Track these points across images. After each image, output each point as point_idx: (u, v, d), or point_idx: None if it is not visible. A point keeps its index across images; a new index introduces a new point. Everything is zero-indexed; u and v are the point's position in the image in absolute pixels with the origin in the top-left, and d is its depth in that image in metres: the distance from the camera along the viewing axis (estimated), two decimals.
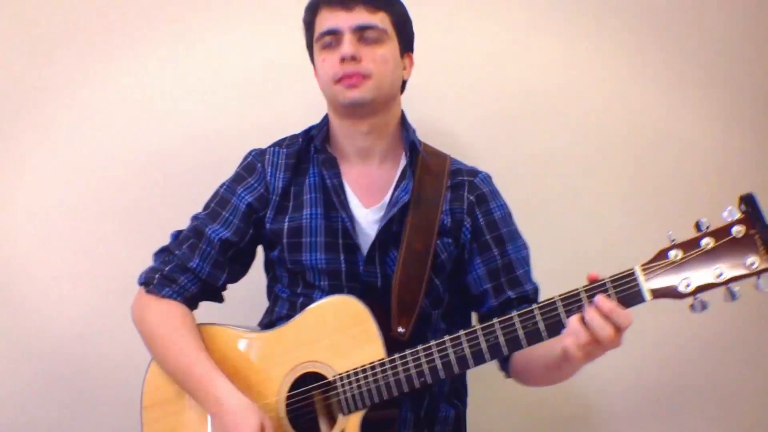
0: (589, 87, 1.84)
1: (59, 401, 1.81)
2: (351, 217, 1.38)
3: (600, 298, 1.06)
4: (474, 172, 1.45)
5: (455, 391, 1.45)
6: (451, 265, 1.40)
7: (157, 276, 1.41)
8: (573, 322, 1.08)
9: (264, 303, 1.55)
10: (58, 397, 1.81)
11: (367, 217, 1.40)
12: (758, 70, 1.85)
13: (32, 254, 1.81)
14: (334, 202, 1.38)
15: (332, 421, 1.28)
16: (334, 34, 1.33)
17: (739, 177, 1.84)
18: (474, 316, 1.49)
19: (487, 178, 1.46)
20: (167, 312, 1.39)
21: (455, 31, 1.82)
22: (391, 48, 1.36)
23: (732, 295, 1.05)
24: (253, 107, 1.81)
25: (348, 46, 1.31)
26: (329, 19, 1.33)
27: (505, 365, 1.38)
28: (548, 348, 1.18)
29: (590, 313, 1.06)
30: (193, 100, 1.81)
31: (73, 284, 1.82)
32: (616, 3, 1.83)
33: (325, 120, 1.46)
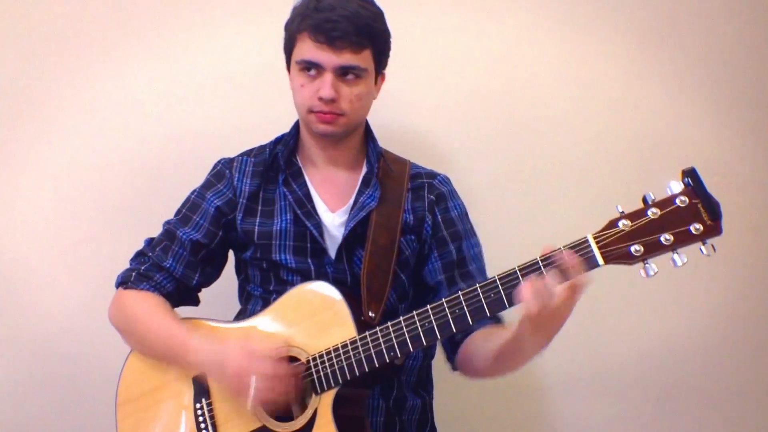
0: (589, 89, 1.88)
1: (57, 399, 1.83)
2: (318, 224, 1.45)
3: (564, 252, 1.13)
4: (433, 175, 1.55)
5: (421, 383, 1.51)
6: (414, 260, 1.48)
7: (134, 274, 1.47)
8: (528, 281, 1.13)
9: (235, 307, 1.58)
10: (56, 395, 1.83)
11: (334, 220, 1.47)
12: (759, 71, 1.90)
13: (29, 253, 1.84)
14: (302, 211, 1.45)
15: (304, 401, 1.31)
16: (316, 66, 1.37)
17: (740, 178, 1.87)
18: None
19: (445, 180, 1.55)
20: (144, 297, 1.45)
21: (455, 32, 1.86)
22: (367, 83, 1.42)
23: (680, 259, 1.12)
24: (244, 109, 1.86)
25: (328, 88, 1.36)
26: (313, 51, 1.36)
27: (451, 356, 1.44)
28: (497, 337, 1.26)
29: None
30: (187, 101, 1.86)
31: (70, 283, 1.85)
32: (615, 5, 1.87)
33: (294, 129, 1.54)
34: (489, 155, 1.86)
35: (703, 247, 1.12)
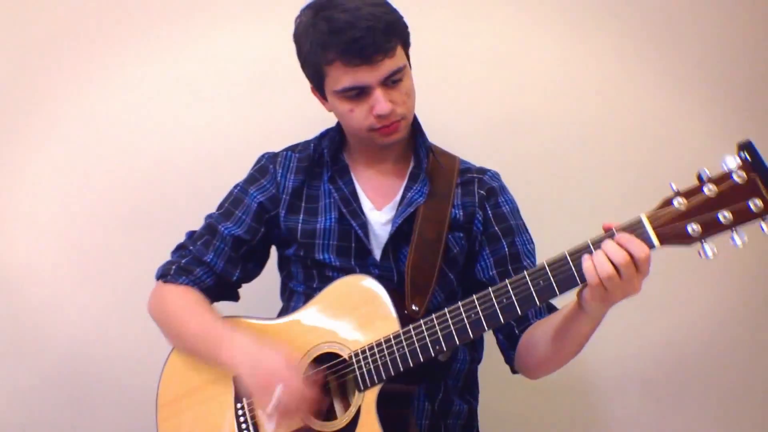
0: (590, 89, 1.87)
1: (61, 403, 1.81)
2: (364, 224, 1.41)
3: (620, 234, 1.09)
4: (483, 170, 1.51)
5: (467, 388, 1.46)
6: (463, 259, 1.43)
7: (174, 267, 1.45)
8: (598, 255, 1.08)
9: (277, 304, 1.56)
10: (60, 399, 1.81)
11: (380, 218, 1.44)
12: (758, 70, 1.88)
13: (34, 256, 1.83)
14: (348, 209, 1.42)
15: (348, 399, 1.27)
16: (360, 88, 1.29)
17: None
18: None
19: (496, 175, 1.51)
20: (184, 292, 1.43)
21: (457, 33, 1.86)
22: (409, 75, 1.36)
23: (740, 239, 1.06)
24: (256, 111, 1.84)
25: (383, 104, 1.29)
26: (351, 76, 1.28)
27: (510, 353, 1.38)
28: (555, 317, 1.23)
29: (608, 245, 1.08)
30: (197, 103, 1.84)
31: (76, 286, 1.83)
32: (617, 6, 1.86)
33: (339, 129, 1.50)
34: (489, 154, 1.79)
35: (764, 224, 1.06)
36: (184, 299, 1.41)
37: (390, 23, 1.30)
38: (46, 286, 1.83)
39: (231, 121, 1.86)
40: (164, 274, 1.45)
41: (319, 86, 1.38)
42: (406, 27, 1.38)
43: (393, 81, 1.32)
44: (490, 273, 1.41)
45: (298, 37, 1.37)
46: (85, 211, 1.84)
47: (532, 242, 1.47)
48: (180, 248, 1.50)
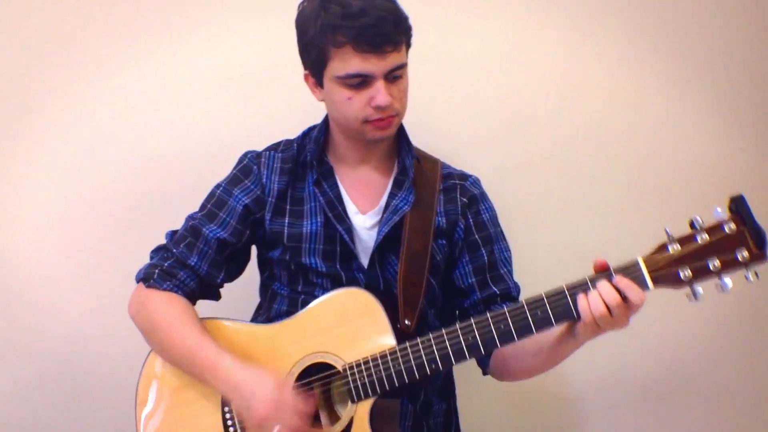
0: (590, 89, 1.86)
1: (58, 401, 1.80)
2: (349, 228, 1.42)
3: (619, 277, 1.16)
4: (464, 176, 1.53)
5: (445, 386, 1.52)
6: (444, 265, 1.47)
7: (156, 271, 1.42)
8: (594, 295, 1.16)
9: (254, 300, 1.57)
10: (58, 397, 1.80)
11: (365, 222, 1.45)
12: (759, 70, 1.88)
13: (33, 254, 1.80)
14: (333, 213, 1.42)
15: (333, 408, 1.32)
16: (365, 77, 1.31)
17: (739, 177, 1.87)
18: None
19: (476, 182, 1.54)
20: (168, 301, 1.40)
21: (456, 32, 1.83)
22: (407, 74, 1.38)
23: (724, 286, 1.15)
24: (250, 109, 1.82)
25: (384, 96, 1.30)
26: (359, 63, 1.29)
27: (485, 359, 1.44)
28: (539, 336, 1.26)
29: (604, 286, 1.16)
30: (192, 101, 1.82)
31: (73, 284, 1.80)
32: (616, 5, 1.85)
33: (324, 126, 1.49)
34: (490, 153, 1.85)
35: (748, 273, 1.15)
36: (170, 310, 1.38)
37: (400, 18, 1.33)
38: (43, 286, 1.80)
39: (229, 122, 1.83)
40: (147, 278, 1.42)
41: (318, 71, 1.36)
42: (410, 29, 1.39)
43: (394, 76, 1.34)
44: (469, 281, 1.46)
45: (303, 22, 1.35)
46: (81, 211, 1.81)
47: (509, 249, 1.52)
48: (161, 250, 1.47)
